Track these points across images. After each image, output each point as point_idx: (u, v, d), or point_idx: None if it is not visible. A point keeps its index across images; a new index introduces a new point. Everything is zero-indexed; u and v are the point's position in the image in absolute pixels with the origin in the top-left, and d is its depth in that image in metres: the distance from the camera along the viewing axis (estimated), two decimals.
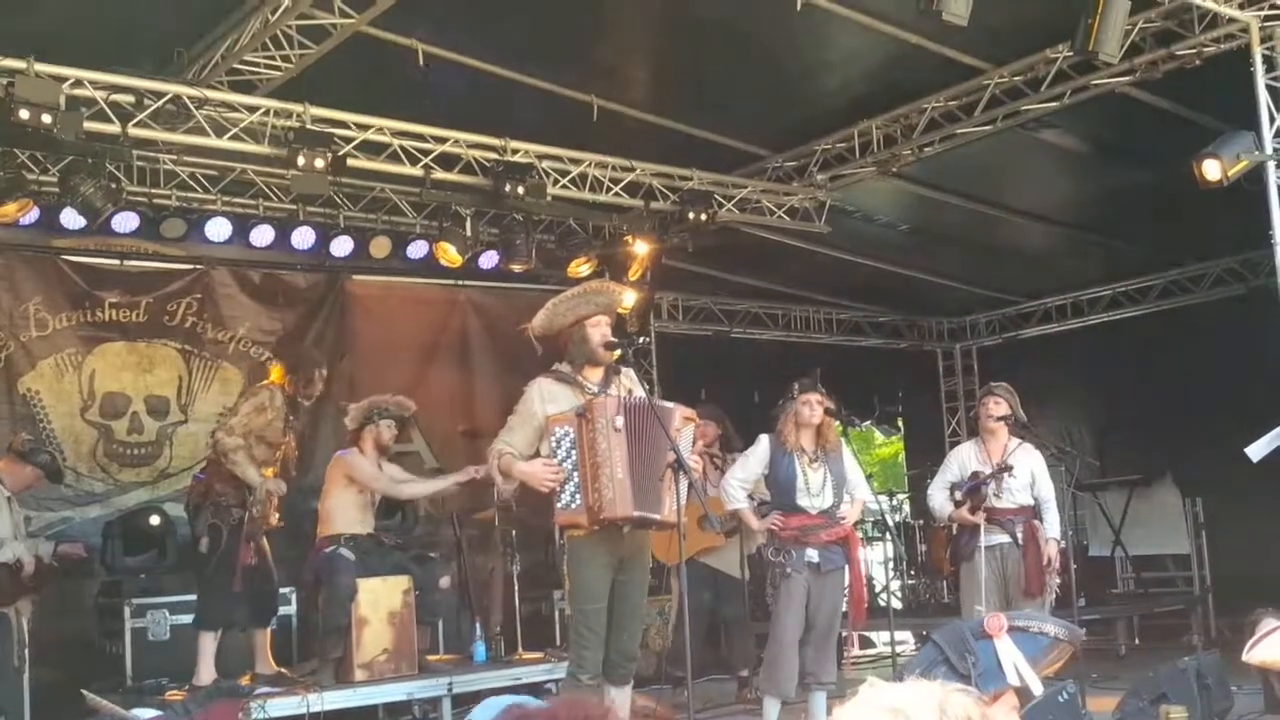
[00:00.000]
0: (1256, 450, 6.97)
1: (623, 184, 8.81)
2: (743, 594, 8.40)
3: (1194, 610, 10.73)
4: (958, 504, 7.22)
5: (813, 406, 6.48)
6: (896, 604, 11.94)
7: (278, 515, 7.20)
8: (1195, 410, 10.82)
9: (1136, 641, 10.60)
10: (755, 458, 6.60)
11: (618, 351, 5.91)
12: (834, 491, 6.51)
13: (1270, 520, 9.38)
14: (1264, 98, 6.93)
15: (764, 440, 6.60)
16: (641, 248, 9.52)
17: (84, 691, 6.43)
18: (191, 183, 8.58)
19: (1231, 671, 6.69)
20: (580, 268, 9.58)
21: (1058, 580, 7.21)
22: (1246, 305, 10.27)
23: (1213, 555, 11.09)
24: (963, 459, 7.44)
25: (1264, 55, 6.93)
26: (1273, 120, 6.92)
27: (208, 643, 7.02)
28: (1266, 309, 7.25)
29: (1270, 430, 6.94)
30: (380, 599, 7.18)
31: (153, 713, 6.20)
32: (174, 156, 8.24)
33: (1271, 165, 6.88)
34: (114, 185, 7.72)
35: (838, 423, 6.67)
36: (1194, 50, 7.21)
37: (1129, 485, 11.52)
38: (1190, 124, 8.06)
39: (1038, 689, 2.11)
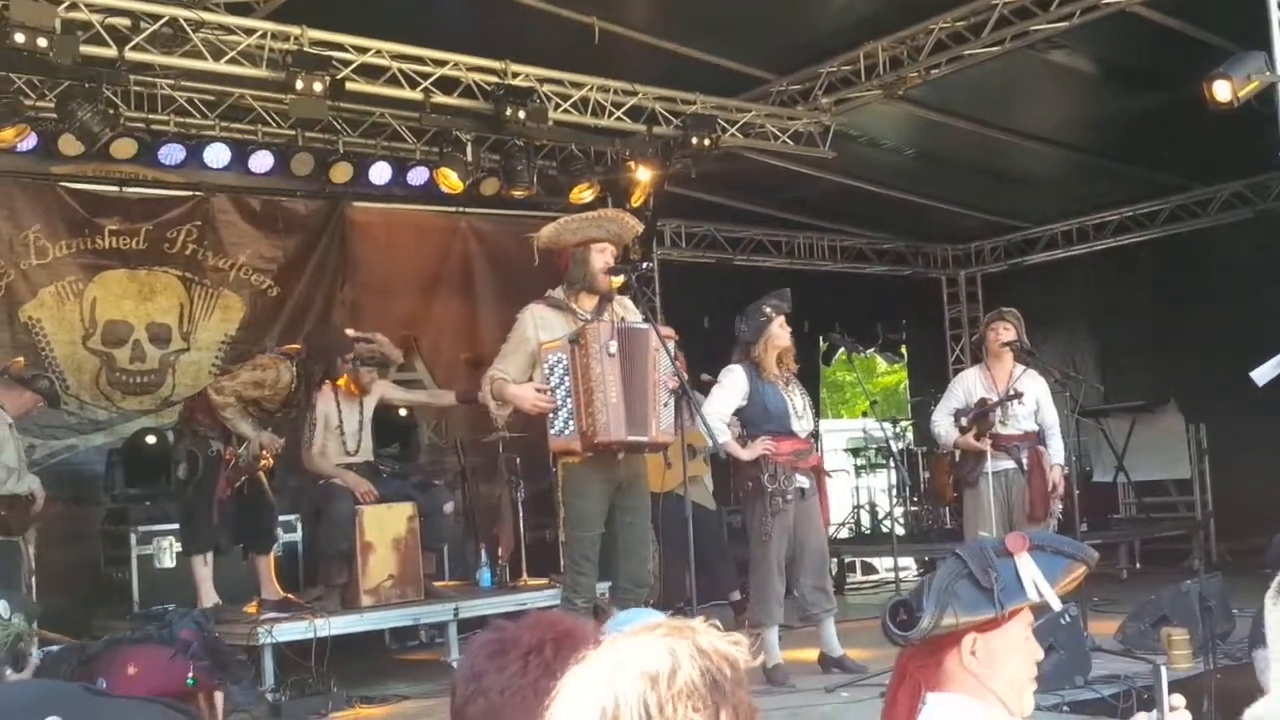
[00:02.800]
0: (1261, 375, 6.94)
1: (625, 108, 8.71)
2: (719, 523, 8.45)
3: (1196, 535, 10.80)
4: (964, 430, 7.22)
5: (786, 328, 6.41)
6: (900, 530, 12.01)
7: (270, 461, 7.13)
8: (1200, 336, 10.79)
9: (1138, 566, 10.68)
10: (733, 390, 6.39)
11: (619, 279, 5.90)
12: (812, 413, 6.50)
13: (1273, 446, 9.38)
14: (1275, 16, 6.78)
15: (738, 370, 6.40)
16: (644, 173, 9.42)
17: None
18: (189, 108, 8.49)
19: (1233, 594, 6.73)
20: (583, 194, 9.51)
21: (1060, 506, 7.24)
22: (1254, 229, 10.20)
23: (1215, 481, 11.14)
24: (968, 385, 7.43)
25: None
26: None
27: (200, 567, 7.00)
28: (1274, 233, 7.19)
29: (1275, 355, 6.92)
30: (385, 525, 7.21)
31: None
32: (171, 81, 8.16)
33: None
34: (112, 110, 7.64)
35: (826, 344, 6.62)
36: None
37: (1133, 411, 11.53)
38: (1200, 44, 7.93)
39: (1057, 605, 2.15)
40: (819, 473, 6.67)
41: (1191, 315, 10.97)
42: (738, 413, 6.43)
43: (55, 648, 5.53)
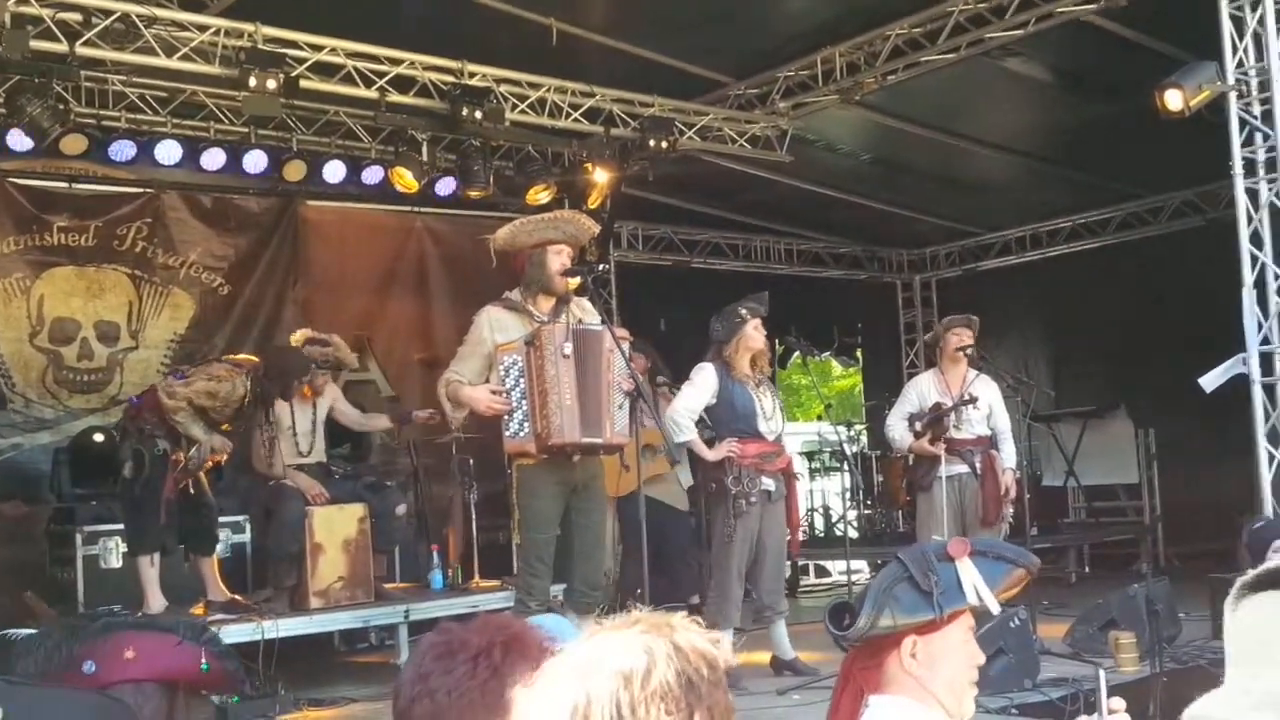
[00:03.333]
0: (1209, 381, 7.04)
1: (582, 110, 8.69)
2: (685, 524, 8.45)
3: (1144, 539, 10.92)
4: (918, 435, 7.25)
5: (761, 330, 6.43)
6: (853, 533, 12.06)
7: (222, 460, 7.04)
8: (1150, 342, 10.91)
9: (1087, 570, 10.77)
10: (703, 387, 6.42)
11: (575, 280, 5.88)
12: (781, 416, 6.51)
13: (1219, 451, 9.49)
14: (1227, 27, 6.88)
15: (709, 368, 6.44)
16: (601, 175, 9.41)
17: (28, 593, 6.33)
18: (141, 104, 8.39)
19: (1179, 598, 6.81)
20: (539, 195, 9.48)
21: (1012, 510, 7.30)
22: (1204, 237, 10.32)
23: (1163, 486, 11.25)
24: (922, 390, 7.47)
25: None
26: (1235, 50, 6.89)
27: (147, 569, 6.89)
28: (1223, 241, 7.27)
29: (1223, 362, 7.01)
30: (335, 526, 7.15)
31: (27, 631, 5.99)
32: (123, 77, 8.05)
33: (1233, 96, 6.85)
34: (62, 106, 7.51)
35: (782, 347, 6.63)
36: None
37: (1083, 417, 11.63)
38: (1153, 53, 8.02)
39: (996, 610, 2.18)
40: (788, 476, 6.68)
41: (1142, 322, 11.09)
42: (707, 411, 6.45)
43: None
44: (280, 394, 7.05)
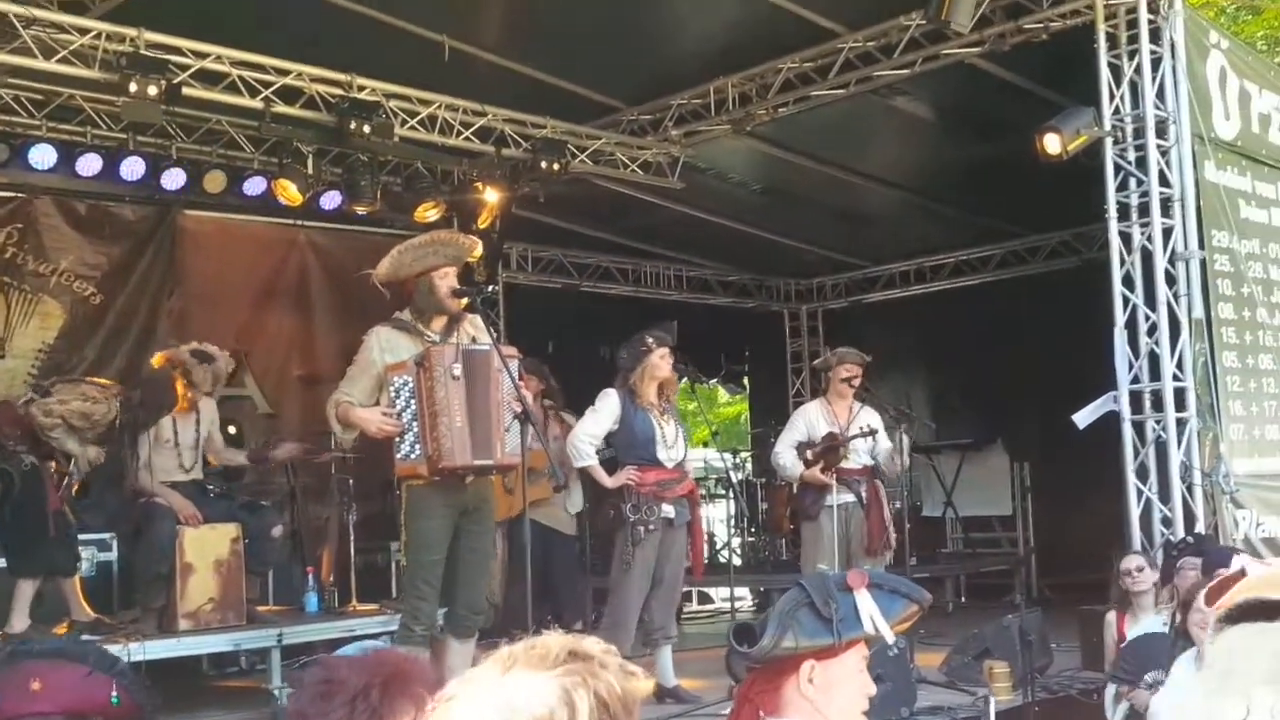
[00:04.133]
0: (1082, 418, 7.24)
1: (474, 128, 8.61)
2: (571, 550, 8.40)
3: (1018, 570, 11.15)
4: (808, 463, 7.32)
5: (667, 360, 6.44)
6: (737, 561, 12.11)
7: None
8: (1027, 378, 11.18)
9: (964, 599, 10.96)
10: (606, 413, 6.44)
11: (465, 300, 5.81)
12: (684, 443, 6.52)
13: (1090, 485, 9.73)
14: (1105, 75, 7.12)
15: (613, 394, 6.46)
16: (491, 195, 9.35)
17: None
18: (15, 105, 8.09)
19: (1051, 629, 6.95)
20: (428, 213, 9.37)
21: (894, 539, 7.40)
22: (1078, 277, 10.61)
23: (1036, 518, 11.51)
24: (810, 419, 7.55)
25: (1107, 33, 7.11)
26: (1112, 97, 7.12)
27: (26, 589, 6.63)
28: (1097, 282, 7.49)
29: (1095, 399, 7.21)
30: (206, 547, 6.92)
31: None
32: None
33: (1109, 141, 7.08)
34: None
35: (684, 379, 6.65)
36: (1041, 25, 7.37)
37: (961, 449, 11.87)
38: (1034, 97, 8.26)
39: (890, 640, 2.30)
40: (692, 502, 6.67)
41: (1019, 358, 11.34)
42: (609, 437, 6.45)
43: None
44: (147, 424, 6.89)
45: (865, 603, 2.23)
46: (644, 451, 6.37)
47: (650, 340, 6.46)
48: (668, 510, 6.40)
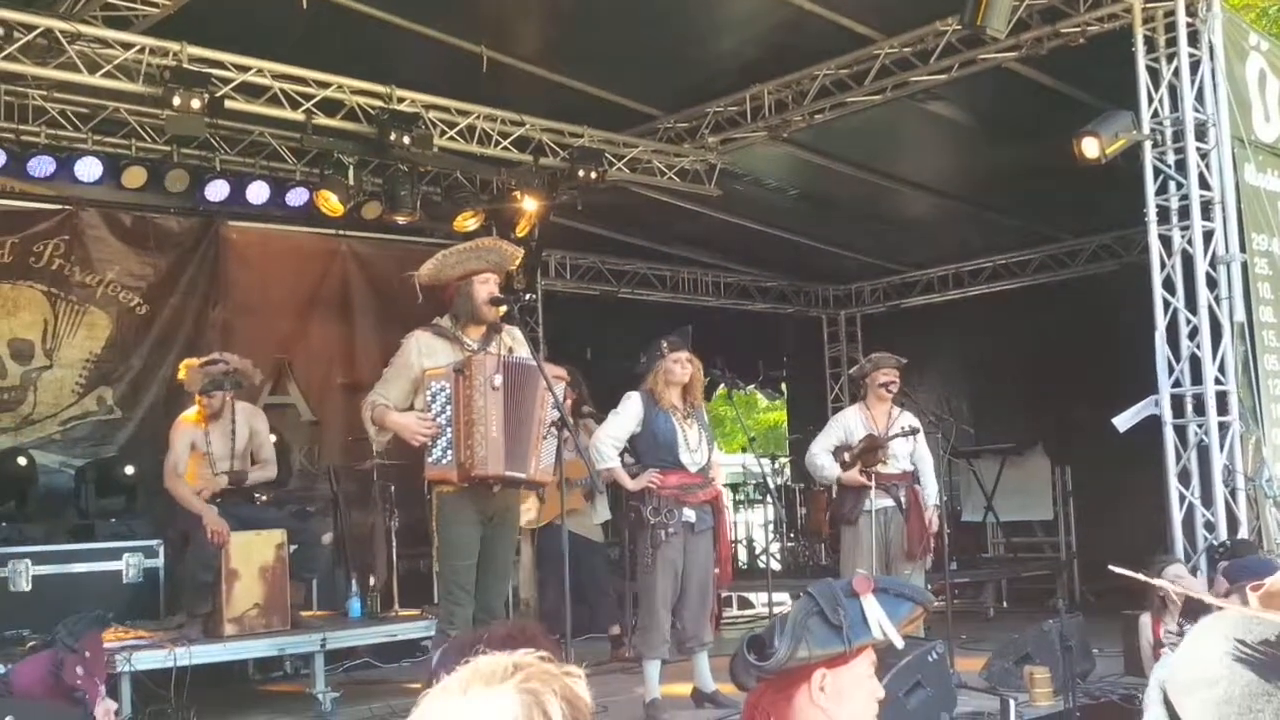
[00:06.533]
0: (1123, 421, 7.21)
1: (512, 138, 8.68)
2: (600, 556, 8.43)
3: (1059, 575, 11.08)
4: (846, 465, 7.32)
5: (683, 365, 6.46)
6: (775, 566, 12.10)
7: None
8: (1067, 382, 11.11)
9: (1004, 604, 10.91)
10: (629, 415, 6.43)
11: (503, 309, 5.87)
12: (708, 447, 6.53)
13: (1133, 489, 9.68)
14: (1144, 78, 7.09)
15: (635, 397, 6.46)
16: (530, 204, 9.40)
17: None
18: (62, 120, 8.23)
19: (1093, 634, 6.92)
20: (467, 222, 9.45)
21: (933, 545, 7.38)
22: (1119, 281, 10.56)
23: (1078, 522, 11.44)
24: (848, 423, 7.55)
25: (1145, 36, 7.08)
26: (1151, 100, 7.09)
27: None
28: (1137, 285, 7.46)
29: (1136, 403, 7.18)
30: (252, 552, 7.01)
31: None
32: (44, 92, 7.91)
33: (1148, 145, 7.05)
34: None
35: (707, 379, 6.66)
36: (1078, 29, 7.33)
37: (1002, 453, 11.82)
38: (1071, 101, 8.21)
39: (899, 644, 2.27)
40: (716, 508, 6.68)
41: (1059, 362, 11.29)
42: (631, 440, 6.48)
43: None
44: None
45: (872, 608, 2.24)
46: (666, 454, 6.37)
47: (664, 345, 6.48)
48: (689, 515, 6.38)
